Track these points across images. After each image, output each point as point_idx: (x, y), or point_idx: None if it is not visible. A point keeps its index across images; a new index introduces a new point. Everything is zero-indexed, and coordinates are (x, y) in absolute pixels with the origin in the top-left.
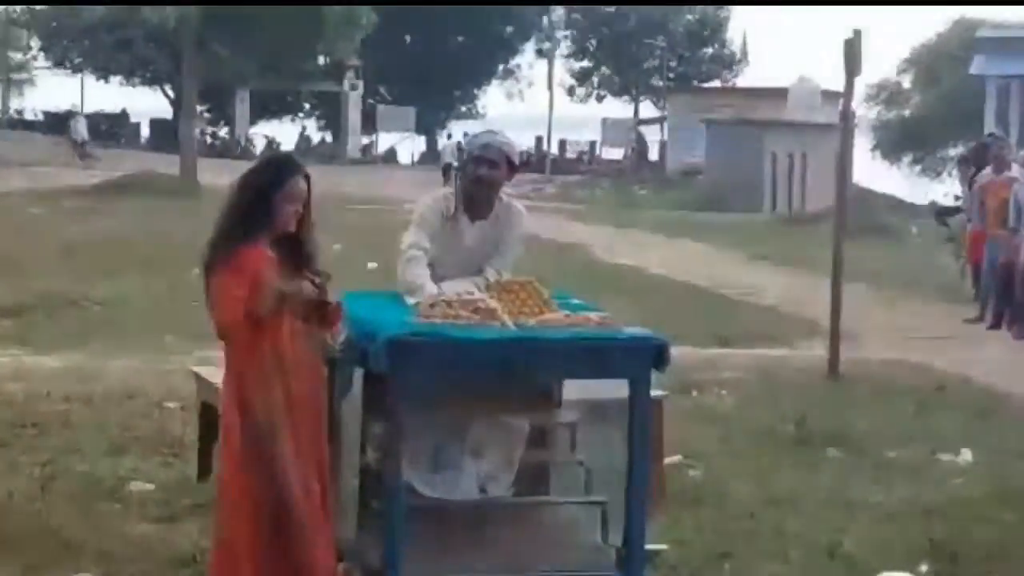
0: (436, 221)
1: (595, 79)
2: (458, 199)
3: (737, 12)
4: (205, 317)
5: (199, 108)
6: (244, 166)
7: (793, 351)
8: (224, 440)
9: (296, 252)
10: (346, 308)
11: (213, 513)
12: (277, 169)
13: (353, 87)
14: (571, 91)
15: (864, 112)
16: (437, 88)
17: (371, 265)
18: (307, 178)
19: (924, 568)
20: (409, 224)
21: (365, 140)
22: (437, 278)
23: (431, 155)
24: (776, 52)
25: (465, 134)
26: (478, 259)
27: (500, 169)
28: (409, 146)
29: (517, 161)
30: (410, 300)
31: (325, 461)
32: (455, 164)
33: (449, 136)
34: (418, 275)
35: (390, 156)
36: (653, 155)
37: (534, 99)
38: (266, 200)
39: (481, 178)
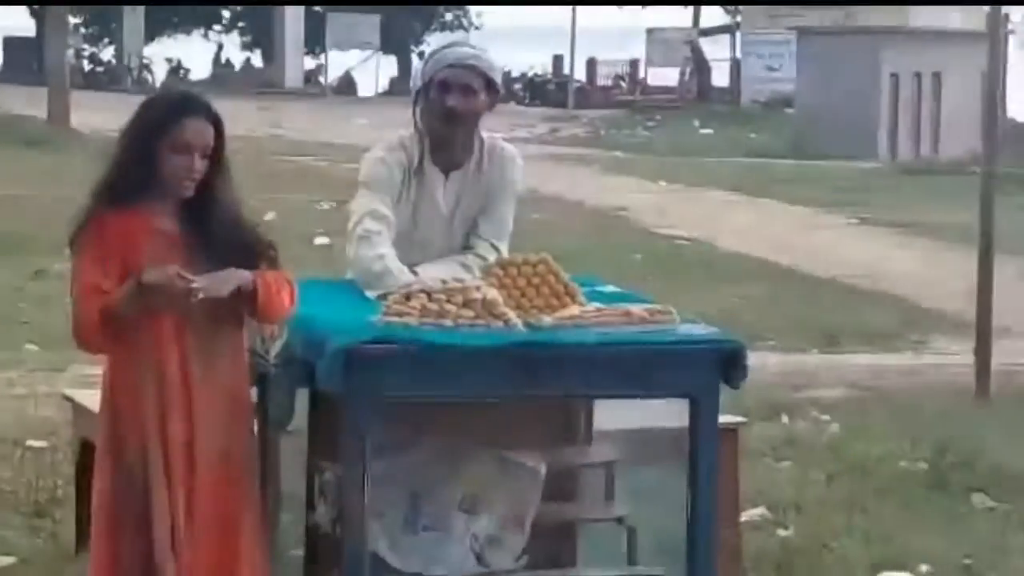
0: (395, 178)
1: None
2: (423, 144)
3: None
4: None
5: (73, 21)
6: (138, 103)
7: (925, 356)
8: (96, 492)
9: (215, 225)
10: (272, 294)
11: None
12: (165, 108)
13: None
14: None
15: (1022, 15)
16: None
17: (320, 241)
18: (214, 121)
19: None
20: (358, 187)
21: (310, 63)
22: (407, 260)
23: (403, 82)
24: None
25: None
26: (459, 227)
27: (477, 96)
28: (372, 70)
29: (499, 81)
30: (371, 293)
31: (248, 523)
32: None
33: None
34: (380, 257)
35: (346, 85)
36: (720, 79)
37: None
38: (149, 151)
39: (452, 112)
